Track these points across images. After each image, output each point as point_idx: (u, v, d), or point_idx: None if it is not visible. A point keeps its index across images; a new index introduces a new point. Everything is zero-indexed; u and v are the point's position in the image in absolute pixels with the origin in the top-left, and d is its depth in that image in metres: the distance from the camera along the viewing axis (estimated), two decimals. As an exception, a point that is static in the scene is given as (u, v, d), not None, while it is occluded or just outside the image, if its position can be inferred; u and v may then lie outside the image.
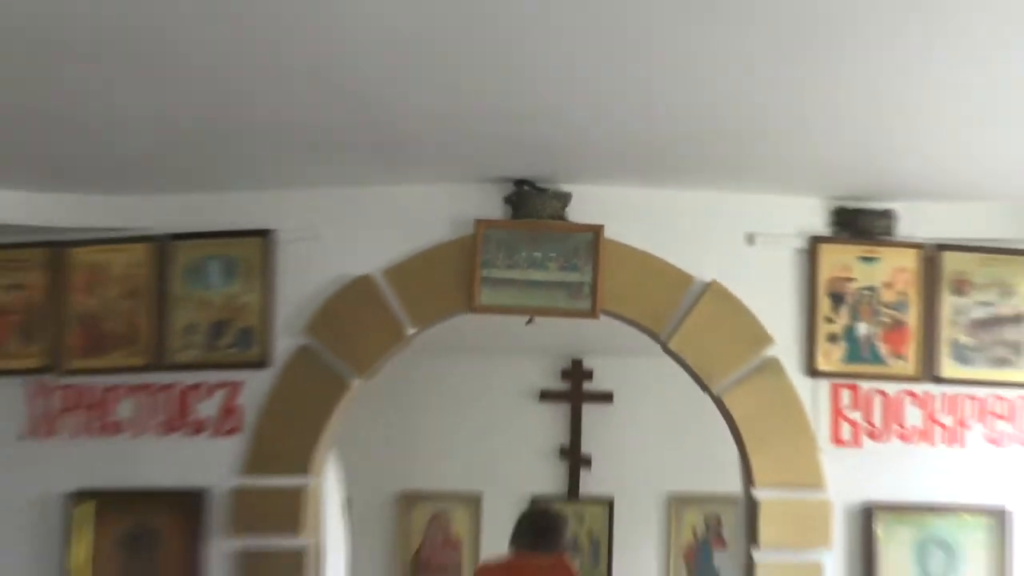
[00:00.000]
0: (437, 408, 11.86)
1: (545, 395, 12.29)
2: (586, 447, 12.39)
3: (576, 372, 12.29)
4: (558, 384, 12.32)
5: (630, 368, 11.49)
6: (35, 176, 7.68)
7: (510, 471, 12.06)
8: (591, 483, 12.26)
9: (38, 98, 6.48)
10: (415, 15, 5.26)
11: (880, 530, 7.48)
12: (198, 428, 7.67)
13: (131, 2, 5.12)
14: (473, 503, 12.11)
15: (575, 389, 12.28)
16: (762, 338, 7.47)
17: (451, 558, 11.91)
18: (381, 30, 5.42)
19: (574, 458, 12.34)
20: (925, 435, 7.52)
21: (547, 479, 12.15)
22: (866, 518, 7.46)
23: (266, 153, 7.34)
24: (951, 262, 7.57)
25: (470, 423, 12.10)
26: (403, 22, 5.26)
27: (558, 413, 12.32)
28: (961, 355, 7.53)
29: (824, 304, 7.51)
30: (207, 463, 7.61)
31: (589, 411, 12.29)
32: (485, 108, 6.55)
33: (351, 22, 5.36)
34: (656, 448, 11.80)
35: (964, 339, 7.54)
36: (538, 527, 8.66)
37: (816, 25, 5.19)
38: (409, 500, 12.24)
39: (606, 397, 12.21)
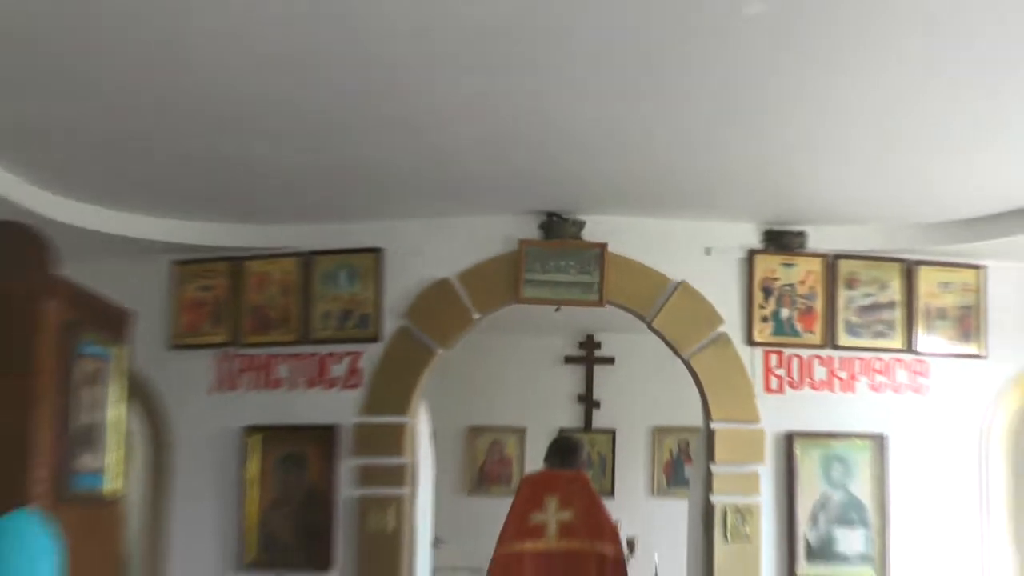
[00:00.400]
0: (494, 368, 12.57)
1: (568, 359, 13.13)
2: (596, 395, 13.13)
3: (589, 343, 13.09)
4: (577, 352, 13.14)
5: (626, 341, 12.16)
6: (224, 212, 8.84)
7: (544, 411, 12.82)
8: (599, 419, 13.05)
9: (234, 158, 7.59)
10: (490, 106, 6.66)
11: (798, 450, 8.70)
12: (332, 383, 8.98)
13: (304, 87, 6.31)
14: (519, 433, 12.92)
15: (588, 355, 13.11)
16: (716, 320, 8.82)
17: (504, 472, 12.69)
18: (456, 104, 6.57)
19: (588, 402, 13.13)
20: (828, 385, 8.84)
21: (569, 417, 12.93)
22: (788, 442, 8.71)
23: (377, 194, 8.43)
24: (844, 266, 8.90)
25: (516, 378, 12.90)
26: (478, 103, 6.54)
27: (577, 372, 13.14)
28: (852, 330, 8.86)
29: (758, 296, 8.85)
30: (338, 407, 8.87)
31: (598, 371, 13.07)
32: (528, 168, 7.82)
33: (441, 101, 6.54)
34: (644, 396, 12.58)
35: (854, 319, 8.88)
36: (563, 450, 9.63)
37: (749, 103, 6.43)
38: (475, 432, 13.02)
39: (610, 360, 13.05)
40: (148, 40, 5.70)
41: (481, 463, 13.00)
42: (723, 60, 5.91)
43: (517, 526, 9.02)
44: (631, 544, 9.96)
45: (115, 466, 7.26)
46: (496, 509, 9.70)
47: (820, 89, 6.23)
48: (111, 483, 7.20)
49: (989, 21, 5.28)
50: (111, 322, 7.28)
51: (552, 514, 8.98)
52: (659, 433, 12.91)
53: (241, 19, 5.40)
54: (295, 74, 6.17)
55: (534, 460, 11.50)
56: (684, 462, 10.81)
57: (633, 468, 13.06)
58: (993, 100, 6.34)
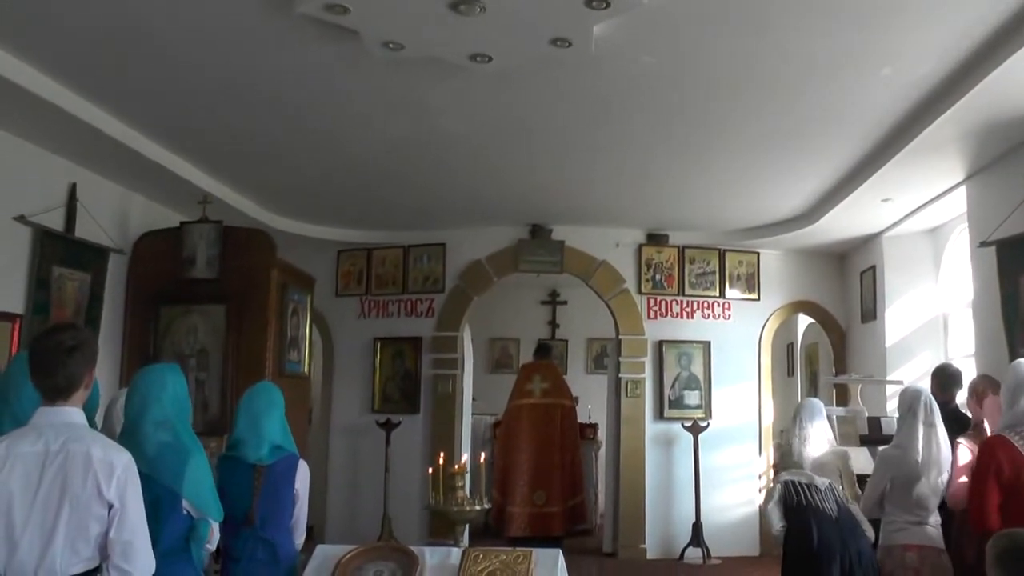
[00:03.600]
0: (503, 308, 11.98)
1: (543, 302, 12.92)
2: (558, 321, 12.97)
3: (554, 294, 12.81)
4: (547, 298, 12.89)
5: (574, 293, 11.68)
6: (364, 224, 8.98)
7: (530, 329, 12.56)
8: (560, 334, 12.87)
9: (371, 197, 7.91)
10: (502, 170, 7.31)
11: (664, 349, 8.96)
12: (419, 314, 9.18)
13: (408, 161, 7.14)
14: (516, 341, 12.76)
15: (553, 300, 12.85)
16: (621, 281, 9.04)
17: (508, 362, 12.52)
18: (486, 169, 7.03)
19: (553, 325, 12.93)
20: (680, 315, 9.12)
21: (544, 333, 12.58)
22: (659, 346, 9.01)
23: (443, 215, 8.61)
24: (688, 252, 9.17)
25: (515, 313, 12.56)
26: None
27: (547, 309, 12.94)
28: (693, 286, 9.13)
29: (645, 268, 9.05)
30: (422, 327, 9.11)
31: (559, 308, 12.88)
32: (523, 201, 8.08)
33: (480, 166, 7.34)
34: (583, 321, 12.22)
35: (693, 280, 9.13)
36: (542, 349, 10.05)
37: (635, 162, 6.93)
38: (493, 340, 12.83)
39: (565, 303, 12.81)
40: (332, 132, 6.17)
41: (497, 356, 12.98)
42: (626, 144, 6.33)
43: (519, 390, 9.51)
44: (576, 399, 10.09)
45: (306, 359, 7.55)
46: (504, 382, 10.19)
47: (676, 153, 6.51)
48: (304, 367, 7.53)
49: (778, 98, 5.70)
50: (304, 282, 7.58)
51: (537, 383, 9.48)
52: (591, 341, 12.84)
53: (378, 113, 5.75)
54: (403, 152, 6.54)
55: (525, 355, 11.62)
56: (605, 358, 10.70)
57: (577, 359, 13.02)
58: (767, 166, 6.73)
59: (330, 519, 9.15)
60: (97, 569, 2.92)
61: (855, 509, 4.95)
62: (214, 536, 3.79)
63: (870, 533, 4.90)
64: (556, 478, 9.13)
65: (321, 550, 4.17)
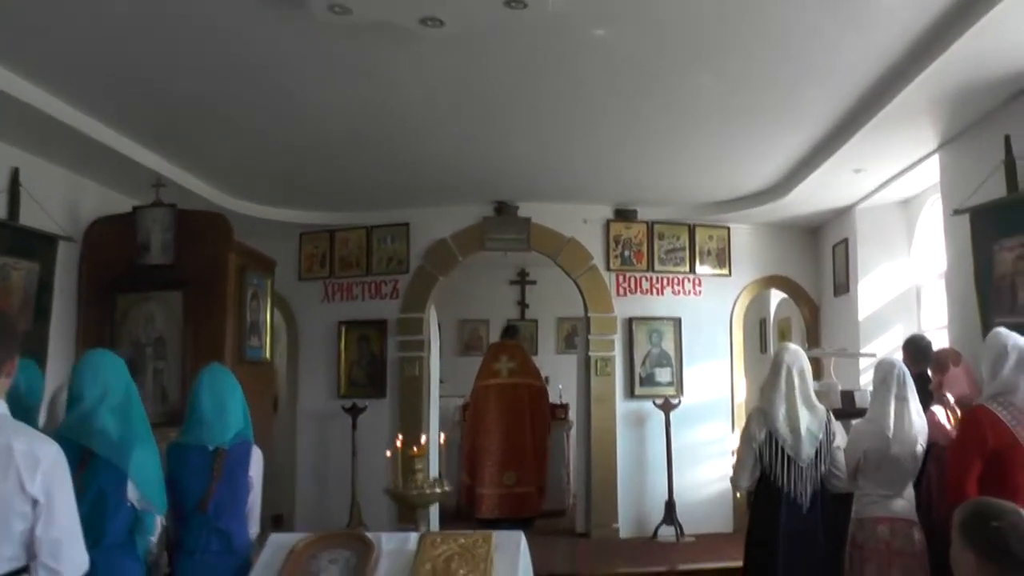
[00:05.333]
0: (472, 289, 11.82)
1: (512, 282, 12.72)
2: (527, 301, 12.82)
3: (523, 274, 12.60)
4: (516, 278, 12.71)
5: (543, 272, 11.47)
6: (327, 206, 8.82)
7: (499, 310, 12.50)
8: (529, 314, 12.75)
9: (333, 178, 7.86)
10: (469, 145, 7.18)
11: (634, 326, 8.85)
12: (383, 296, 8.97)
13: (373, 134, 6.95)
14: (486, 323, 12.63)
15: (522, 280, 12.64)
16: (589, 258, 8.88)
17: (478, 343, 12.31)
18: (451, 144, 7.02)
19: (522, 305, 12.77)
20: (649, 292, 8.97)
21: (513, 313, 12.54)
22: (629, 323, 8.88)
23: (406, 194, 8.42)
24: (657, 228, 9.02)
25: (485, 293, 12.44)
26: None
27: (516, 289, 12.77)
28: (662, 261, 8.99)
29: (613, 244, 8.91)
30: (387, 309, 8.90)
31: (528, 288, 12.70)
32: (489, 177, 7.93)
33: (442, 142, 7.18)
34: (552, 301, 11.99)
35: (663, 256, 8.99)
36: (510, 330, 10.22)
37: (606, 139, 6.80)
38: (462, 322, 12.69)
39: (534, 282, 12.60)
40: (289, 110, 6.06)
41: (466, 339, 12.86)
42: (592, 117, 6.24)
43: (486, 371, 9.47)
44: (547, 379, 10.12)
45: (268, 344, 7.45)
46: (475, 364, 10.00)
47: (643, 126, 6.45)
48: (266, 352, 7.42)
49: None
50: (264, 265, 7.48)
51: (504, 363, 9.45)
52: (560, 320, 12.74)
53: (334, 86, 5.64)
54: (362, 128, 6.46)
55: (495, 337, 11.46)
56: (575, 337, 10.54)
57: (547, 339, 12.94)
58: (736, 138, 6.66)
59: (299, 506, 9.05)
60: (24, 569, 2.77)
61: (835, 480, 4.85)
62: (156, 529, 3.70)
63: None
64: (527, 458, 9.10)
65: (274, 539, 4.04)
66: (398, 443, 4.49)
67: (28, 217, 6.13)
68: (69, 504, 2.85)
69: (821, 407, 4.89)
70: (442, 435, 5.17)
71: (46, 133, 5.85)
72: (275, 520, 8.40)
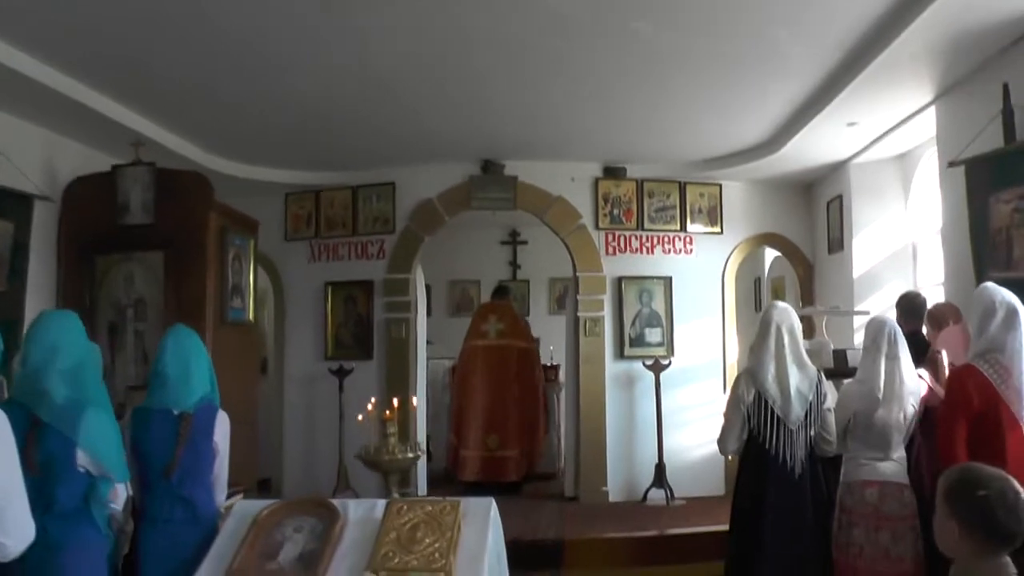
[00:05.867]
0: (463, 250, 11.98)
1: (503, 242, 12.65)
2: (519, 261, 12.73)
3: (514, 234, 12.55)
4: (507, 238, 12.64)
5: (533, 232, 11.47)
6: (312, 165, 8.67)
7: (491, 271, 12.43)
8: (521, 275, 12.67)
9: (318, 139, 7.76)
10: (453, 101, 7.00)
11: (624, 286, 8.71)
12: (370, 256, 8.87)
13: (355, 93, 6.85)
14: (476, 283, 12.56)
15: (513, 240, 12.58)
16: (578, 216, 8.74)
17: (468, 304, 12.18)
18: (436, 99, 6.79)
19: (514, 266, 12.70)
20: (639, 250, 8.82)
21: (504, 274, 12.47)
22: (618, 282, 8.73)
23: (392, 152, 8.27)
24: (647, 185, 8.85)
25: (474, 254, 12.42)
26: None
27: (507, 249, 12.70)
28: (652, 220, 8.83)
29: (602, 203, 8.77)
30: (374, 269, 8.79)
31: (519, 248, 12.63)
32: (474, 134, 7.79)
33: (428, 97, 7.01)
34: (543, 260, 11.91)
35: (653, 214, 8.83)
36: (500, 291, 10.07)
37: (595, 93, 6.84)
38: (453, 283, 12.64)
39: (525, 242, 12.54)
40: (270, 66, 5.90)
41: (457, 300, 12.75)
42: (580, 71, 6.12)
43: (474, 331, 9.33)
44: (537, 340, 9.97)
45: (251, 306, 7.33)
46: (464, 325, 9.82)
47: (632, 80, 6.31)
48: (249, 314, 7.30)
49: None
50: (246, 225, 7.32)
51: (492, 324, 9.30)
52: (552, 281, 12.62)
53: (315, 39, 5.50)
54: (345, 84, 6.34)
55: (487, 298, 11.27)
56: (566, 297, 10.20)
57: (539, 300, 12.83)
58: (726, 90, 6.48)
59: (287, 470, 8.99)
60: None
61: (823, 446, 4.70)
62: (118, 496, 3.56)
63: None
64: (511, 422, 8.98)
65: (240, 506, 3.92)
66: (370, 406, 4.32)
67: (2, 176, 5.98)
68: (11, 473, 2.73)
69: (812, 367, 4.73)
70: (413, 399, 4.93)
71: (19, 91, 5.72)
72: (262, 484, 8.36)
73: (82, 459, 3.35)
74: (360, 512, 3.65)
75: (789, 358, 4.64)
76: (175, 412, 3.86)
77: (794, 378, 4.61)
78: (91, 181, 6.80)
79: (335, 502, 3.71)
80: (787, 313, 4.75)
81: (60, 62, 5.63)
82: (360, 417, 4.29)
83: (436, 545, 3.31)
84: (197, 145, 7.73)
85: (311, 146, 8.09)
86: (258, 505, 3.79)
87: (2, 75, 5.39)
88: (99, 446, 3.39)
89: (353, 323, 8.90)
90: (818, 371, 4.73)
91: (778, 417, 4.57)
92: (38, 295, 6.37)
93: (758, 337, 4.74)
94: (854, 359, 6.44)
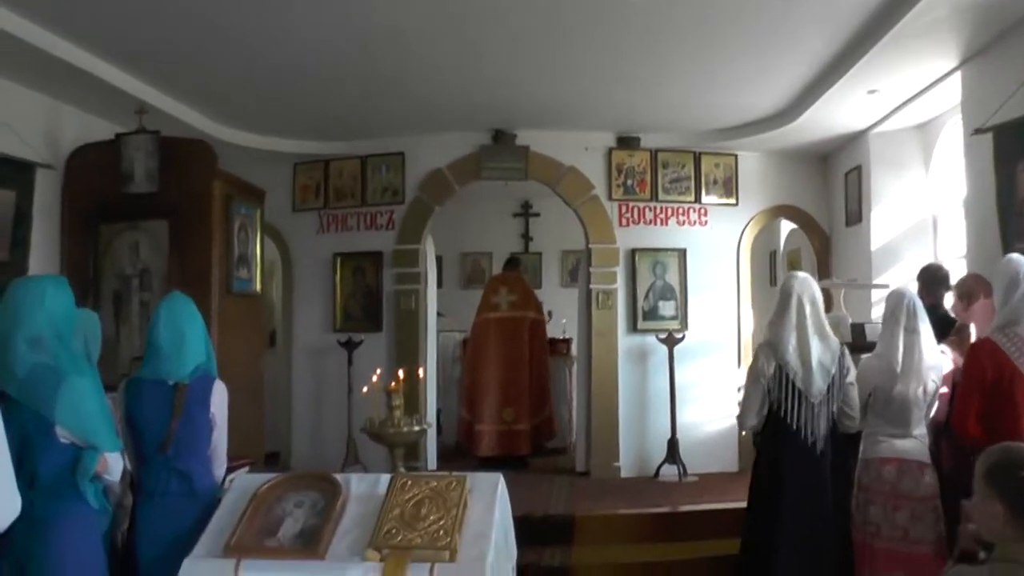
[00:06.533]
0: (474, 221, 11.93)
1: (515, 215, 12.51)
2: (531, 234, 12.59)
3: (526, 206, 12.40)
4: (519, 210, 12.50)
5: (546, 204, 11.33)
6: (320, 135, 8.51)
7: (502, 243, 12.16)
8: (533, 247, 12.54)
9: (326, 110, 7.70)
10: (464, 66, 6.88)
11: (637, 258, 8.56)
12: (379, 227, 8.73)
13: (362, 60, 6.71)
14: (488, 255, 12.39)
15: (526, 212, 12.46)
16: (590, 186, 8.58)
17: (480, 276, 12.00)
18: (444, 64, 6.90)
19: (526, 238, 12.56)
20: (653, 222, 8.66)
21: (516, 246, 12.25)
22: (632, 254, 8.57)
23: (401, 122, 8.18)
24: (661, 156, 8.67)
25: (486, 226, 12.32)
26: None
27: (520, 221, 12.56)
28: (666, 191, 8.67)
29: (615, 173, 8.62)
30: (383, 240, 8.66)
31: (532, 220, 12.50)
32: (485, 102, 7.65)
33: (435, 62, 6.91)
34: (556, 233, 11.82)
35: (667, 185, 8.66)
36: (511, 263, 9.84)
37: (605, 63, 6.74)
38: (464, 255, 12.49)
39: (537, 214, 12.40)
40: (276, 32, 5.79)
41: (468, 272, 12.64)
42: (593, 37, 5.99)
43: (486, 304, 9.20)
44: (550, 314, 9.87)
45: (258, 276, 7.26)
46: (476, 297, 9.65)
47: (646, 46, 6.19)
48: (255, 285, 7.22)
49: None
50: (252, 194, 7.24)
51: (504, 296, 9.18)
52: (565, 253, 12.48)
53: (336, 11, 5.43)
54: (352, 50, 6.23)
55: (496, 269, 11.27)
56: (579, 269, 9.97)
57: (551, 272, 12.70)
58: (743, 56, 6.33)
59: (295, 443, 8.92)
60: None
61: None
62: (112, 467, 3.42)
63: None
64: (525, 394, 8.87)
65: (241, 480, 3.83)
66: (374, 377, 4.20)
67: (3, 143, 5.90)
68: None
69: (834, 339, 4.58)
70: (420, 370, 4.76)
71: (20, 57, 5.65)
72: (270, 457, 8.34)
73: (62, 432, 3.23)
74: (363, 487, 3.55)
75: (811, 329, 4.50)
76: (169, 383, 3.74)
77: (816, 350, 4.47)
78: (94, 149, 6.75)
79: (338, 476, 3.61)
80: (808, 283, 4.61)
81: (62, 28, 5.56)
82: (365, 389, 4.16)
83: (441, 522, 3.20)
84: (203, 113, 7.63)
85: (319, 115, 7.96)
86: (259, 479, 3.68)
87: (3, 41, 5.32)
88: (79, 419, 3.25)
89: (362, 295, 8.79)
90: (841, 343, 4.57)
91: (799, 391, 4.43)
92: (42, 265, 6.31)
93: (778, 308, 4.60)
94: (872, 333, 6.30)
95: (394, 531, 3.18)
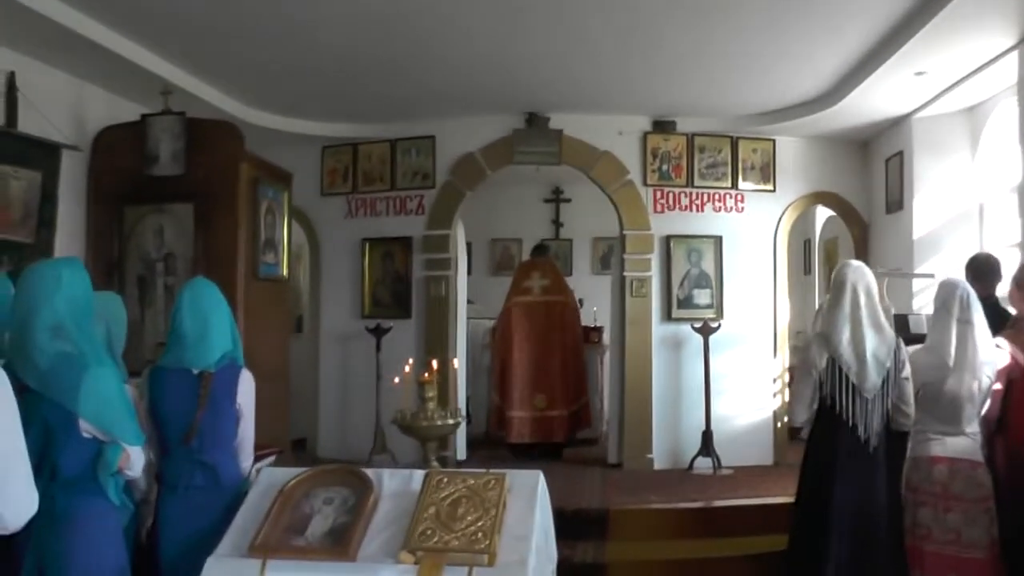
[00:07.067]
0: (504, 207, 11.78)
1: (546, 200, 12.39)
2: (562, 219, 12.45)
3: (557, 191, 12.27)
4: (550, 196, 12.38)
5: (578, 190, 11.21)
6: (349, 117, 8.45)
7: (532, 229, 12.12)
8: (564, 234, 12.41)
9: (354, 91, 7.59)
10: (497, 49, 6.76)
11: (672, 245, 8.40)
12: (408, 212, 8.62)
13: (394, 44, 6.63)
14: (518, 242, 12.28)
15: (557, 198, 12.32)
16: (625, 172, 8.42)
17: (510, 262, 11.92)
18: (477, 50, 6.79)
19: (556, 224, 12.43)
20: (689, 208, 8.47)
21: (546, 233, 12.19)
22: (667, 241, 8.41)
23: (432, 104, 8.07)
24: (698, 140, 8.49)
25: (516, 212, 12.21)
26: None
27: (550, 207, 12.44)
28: (703, 176, 8.49)
29: (649, 158, 8.44)
30: (412, 225, 8.56)
31: (563, 206, 12.36)
32: (519, 86, 7.54)
33: (467, 47, 6.79)
34: (588, 219, 11.64)
35: (703, 171, 8.49)
36: (541, 248, 9.71)
37: (643, 45, 6.62)
38: (494, 241, 12.37)
39: (568, 200, 12.26)
40: (304, 13, 5.70)
41: (498, 258, 12.52)
42: (629, 18, 5.85)
43: (517, 288, 9.09)
44: (581, 301, 9.72)
45: (285, 261, 7.13)
46: (505, 284, 9.58)
47: (683, 26, 6.04)
48: (282, 269, 7.10)
49: None
50: (279, 177, 7.11)
51: (536, 281, 9.06)
52: (596, 240, 12.36)
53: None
54: (382, 33, 6.14)
55: (526, 256, 11.05)
56: (611, 256, 10.00)
57: (582, 260, 12.55)
58: (784, 36, 6.14)
59: (322, 431, 8.83)
60: None
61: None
62: (133, 462, 3.27)
63: None
64: (558, 380, 8.73)
65: (267, 473, 3.67)
66: (407, 367, 4.05)
67: (28, 124, 5.82)
68: (11, 436, 2.42)
69: (890, 331, 4.34)
70: (454, 360, 4.56)
71: (44, 36, 5.59)
72: (297, 444, 8.28)
73: (86, 426, 3.10)
74: (395, 483, 3.40)
75: (866, 321, 4.27)
76: (194, 371, 3.60)
77: (871, 343, 4.23)
78: (120, 130, 6.66)
79: (369, 472, 3.45)
80: (862, 272, 4.38)
81: (88, 6, 5.47)
82: (396, 379, 4.00)
83: (479, 523, 3.03)
84: (230, 95, 7.54)
85: (348, 97, 7.85)
86: (286, 473, 3.53)
87: (29, 20, 5.25)
88: (102, 411, 3.12)
89: (391, 281, 8.68)
90: (897, 336, 4.34)
91: (853, 385, 4.20)
92: (67, 247, 6.24)
93: (831, 298, 4.37)
94: (916, 324, 6.22)
95: (429, 532, 3.02)
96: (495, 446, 8.78)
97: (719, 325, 8.25)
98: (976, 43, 5.89)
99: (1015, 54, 5.95)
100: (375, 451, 8.04)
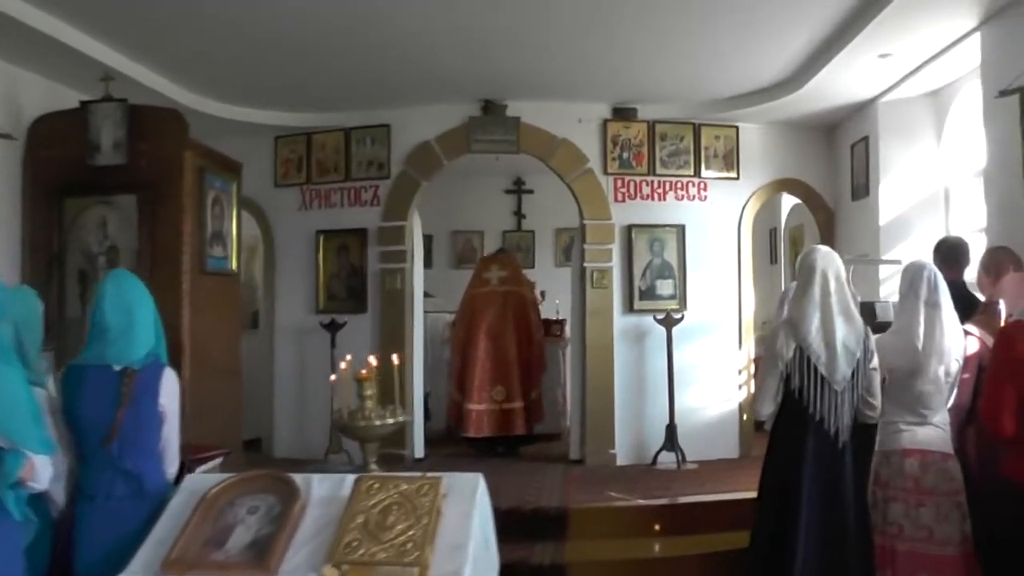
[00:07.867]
0: (465, 199, 11.59)
1: (507, 191, 12.15)
2: (523, 211, 12.22)
3: (519, 182, 12.04)
4: (512, 187, 12.13)
5: (539, 180, 10.97)
6: (302, 106, 8.19)
7: (494, 221, 12.05)
8: (526, 225, 12.19)
9: (305, 79, 7.37)
10: (453, 35, 6.50)
11: (633, 235, 8.21)
12: (363, 203, 8.38)
13: (343, 25, 6.33)
14: (480, 234, 12.15)
15: (518, 188, 12.10)
16: (585, 160, 8.22)
17: (471, 255, 11.68)
18: (433, 33, 6.54)
19: (519, 215, 12.21)
20: (650, 197, 8.29)
21: (508, 224, 12.09)
22: (628, 231, 8.22)
23: (387, 92, 7.83)
24: (659, 127, 8.31)
25: (477, 204, 11.98)
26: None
27: (512, 198, 12.21)
28: (664, 164, 8.30)
29: (611, 146, 8.25)
30: (367, 217, 8.30)
31: (524, 198, 12.13)
32: (474, 72, 7.34)
33: (423, 32, 6.53)
34: (549, 210, 11.36)
35: (665, 159, 8.30)
36: (504, 245, 9.80)
37: (600, 29, 6.47)
38: (455, 233, 12.10)
39: (530, 191, 12.05)
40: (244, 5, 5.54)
41: (459, 251, 12.25)
42: (585, 6, 5.72)
43: (476, 279, 8.90)
44: (542, 294, 9.56)
45: (234, 254, 6.88)
46: (466, 277, 9.32)
47: (643, 11, 5.88)
48: (231, 263, 6.85)
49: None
50: (227, 167, 6.85)
51: (495, 272, 8.85)
52: (558, 231, 12.14)
53: None
54: (332, 15, 5.90)
55: (490, 248, 10.96)
56: (572, 246, 9.67)
57: (545, 252, 12.33)
58: (745, 20, 6.00)
59: (277, 429, 8.58)
60: None
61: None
62: (38, 473, 3.00)
63: None
64: (515, 371, 8.49)
65: (191, 481, 3.42)
66: (343, 364, 3.77)
67: (-44, 112, 5.48)
68: None
69: (859, 319, 4.14)
70: (394, 356, 4.29)
71: None
72: (250, 444, 7.98)
73: None
74: (325, 489, 3.16)
75: (836, 308, 4.05)
76: (116, 368, 3.34)
77: (840, 331, 4.02)
78: (58, 119, 6.36)
79: (297, 477, 3.19)
80: (831, 257, 4.16)
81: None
82: (332, 377, 3.73)
83: (410, 532, 2.78)
84: (176, 83, 7.26)
85: (301, 85, 7.62)
86: (210, 480, 3.30)
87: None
88: (2, 415, 2.85)
89: (346, 274, 8.43)
90: (865, 325, 4.13)
91: (822, 376, 3.98)
92: (2, 241, 6.03)
93: (799, 285, 4.17)
94: (883, 312, 6.06)
95: (356, 543, 2.78)
96: (456, 443, 8.54)
97: (682, 316, 8.06)
98: (939, 25, 5.75)
99: (977, 36, 5.80)
100: (331, 451, 7.77)
